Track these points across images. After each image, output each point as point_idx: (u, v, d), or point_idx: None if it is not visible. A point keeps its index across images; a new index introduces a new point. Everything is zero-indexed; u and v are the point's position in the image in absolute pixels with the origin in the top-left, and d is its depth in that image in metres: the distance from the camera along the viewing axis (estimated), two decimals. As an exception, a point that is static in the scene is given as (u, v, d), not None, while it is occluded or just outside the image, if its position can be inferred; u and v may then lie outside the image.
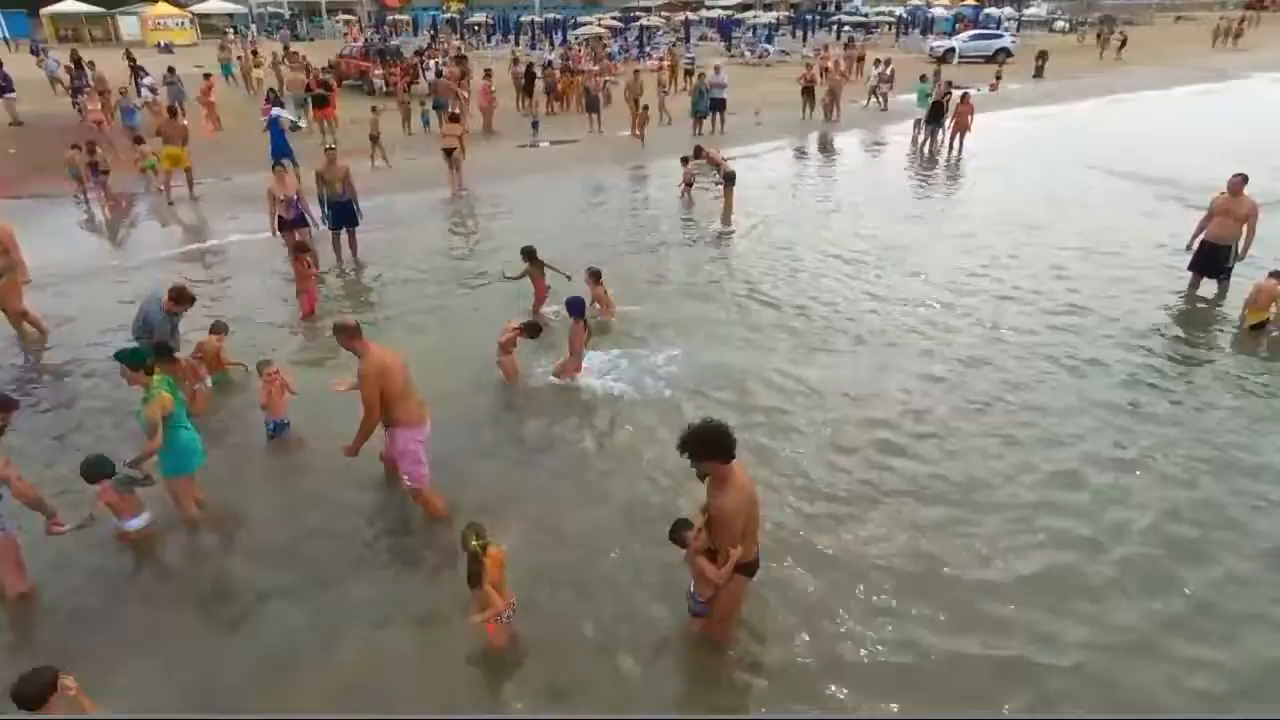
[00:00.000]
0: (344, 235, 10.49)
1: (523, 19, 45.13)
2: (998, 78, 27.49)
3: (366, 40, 28.52)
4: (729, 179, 12.65)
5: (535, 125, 19.13)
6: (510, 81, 23.03)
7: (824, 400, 6.87)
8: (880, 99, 22.96)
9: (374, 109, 17.42)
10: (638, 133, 19.14)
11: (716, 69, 19.37)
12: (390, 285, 9.87)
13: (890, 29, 46.56)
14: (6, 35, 47.00)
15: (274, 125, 14.66)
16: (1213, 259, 8.99)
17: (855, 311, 8.74)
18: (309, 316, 8.49)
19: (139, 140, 14.47)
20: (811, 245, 11.12)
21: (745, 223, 12.30)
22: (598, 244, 11.28)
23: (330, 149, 10.19)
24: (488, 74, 19.87)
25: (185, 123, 13.88)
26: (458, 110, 16.80)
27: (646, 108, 18.88)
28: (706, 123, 19.26)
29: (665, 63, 28.69)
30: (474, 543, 3.90)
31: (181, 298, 6.81)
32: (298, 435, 6.43)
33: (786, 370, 7.36)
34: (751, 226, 12.15)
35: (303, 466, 6.08)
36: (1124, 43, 36.07)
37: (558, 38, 40.06)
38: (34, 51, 32.44)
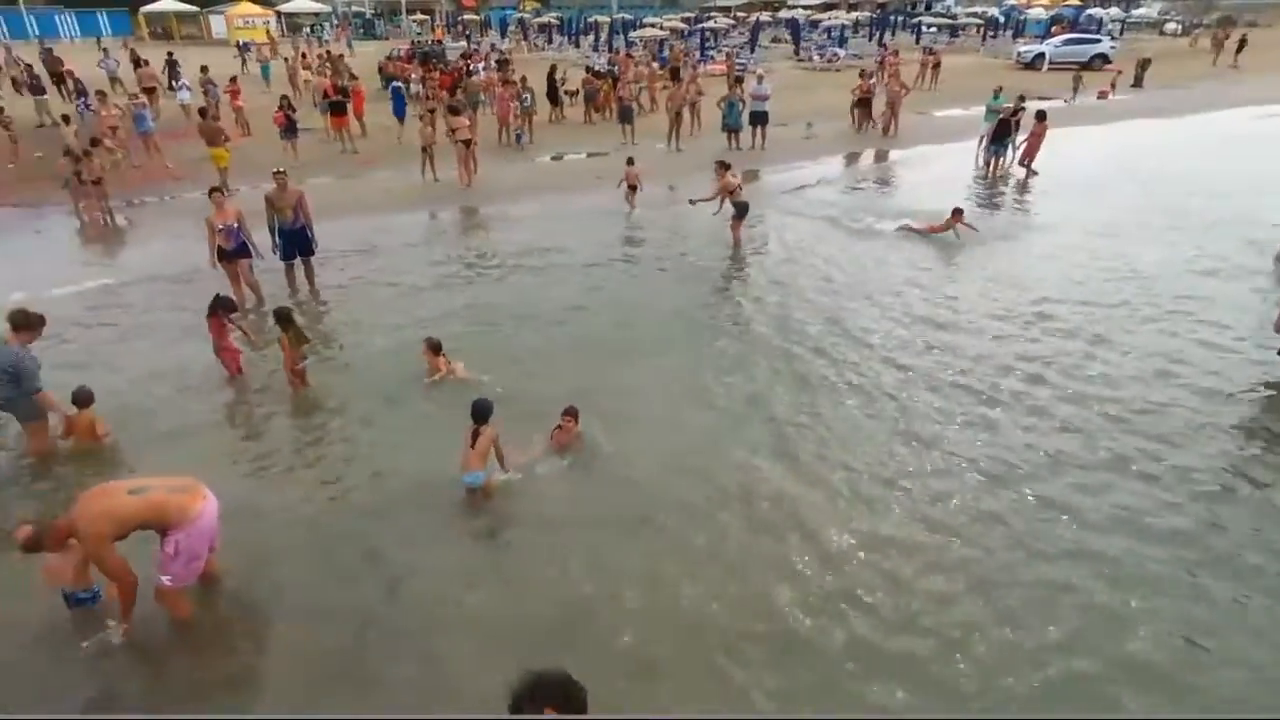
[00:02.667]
0: (299, 266, 9.64)
1: (592, 19, 44.26)
2: (1112, 85, 25.16)
3: (414, 43, 28.07)
4: (740, 210, 11.29)
5: (519, 138, 18.17)
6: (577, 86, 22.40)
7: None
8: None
9: (420, 117, 16.69)
10: (676, 145, 17.98)
11: (759, 78, 17.81)
12: (349, 330, 8.77)
13: (977, 31, 43.46)
14: (110, 32, 49.44)
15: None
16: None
17: (880, 397, 7.26)
18: (236, 376, 7.52)
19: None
20: (833, 294, 9.63)
21: (756, 262, 10.93)
22: (576, 282, 10.18)
23: (279, 172, 9.27)
24: (507, 82, 18.89)
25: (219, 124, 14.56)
26: (455, 103, 16.16)
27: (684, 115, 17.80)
28: (746, 136, 17.75)
29: (724, 67, 27.35)
30: None
31: (26, 323, 5.94)
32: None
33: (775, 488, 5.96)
34: (763, 269, 10.73)
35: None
36: (1241, 46, 32.25)
37: (620, 40, 38.94)
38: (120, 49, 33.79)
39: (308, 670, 4.32)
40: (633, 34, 38.69)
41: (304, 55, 27.35)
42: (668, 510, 5.54)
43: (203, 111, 15.80)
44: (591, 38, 41.57)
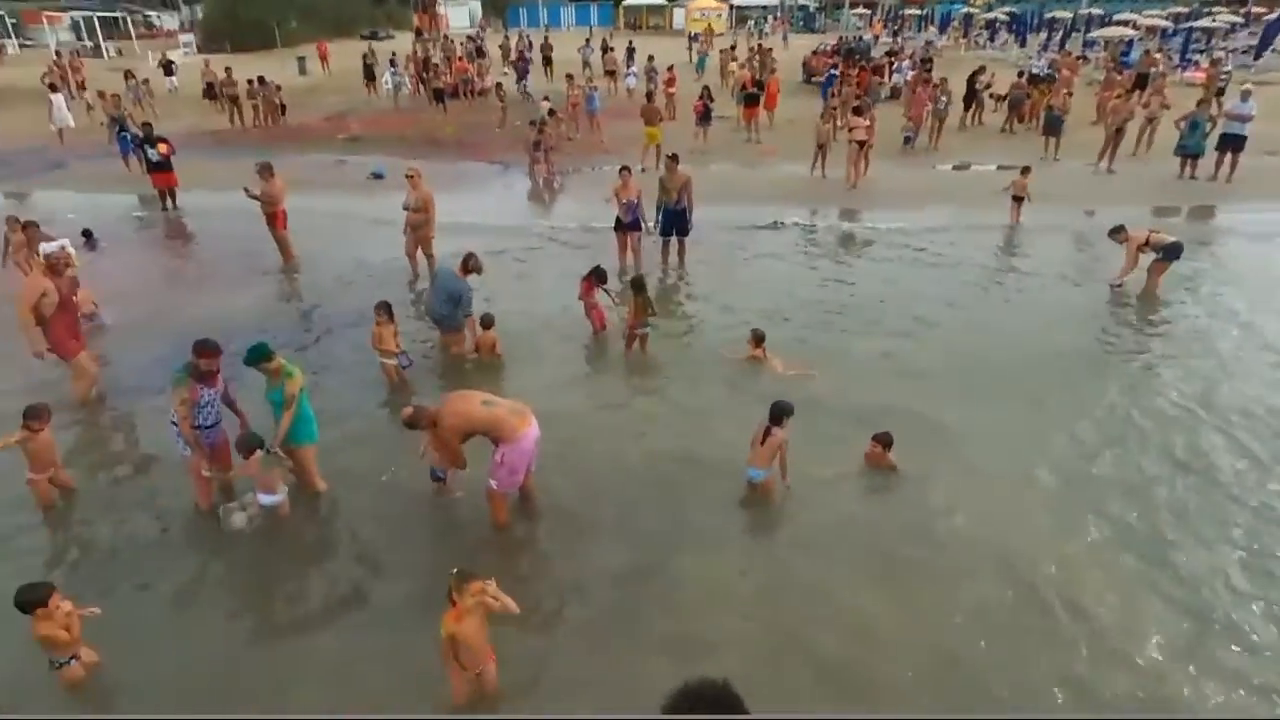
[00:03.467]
0: (674, 244, 10.66)
1: (1050, 14, 39.61)
2: None
3: (840, 38, 28.20)
4: (1168, 252, 9.44)
5: (909, 140, 17.33)
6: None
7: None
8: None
9: (822, 114, 16.76)
10: (1109, 166, 15.51)
11: (1245, 94, 14.30)
12: (697, 305, 9.62)
13: None
14: (598, 23, 58.68)
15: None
16: None
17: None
18: (601, 332, 8.61)
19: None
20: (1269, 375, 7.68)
21: (1172, 316, 9.12)
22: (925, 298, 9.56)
23: (672, 156, 10.34)
24: (927, 81, 17.93)
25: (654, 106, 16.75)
26: (860, 103, 15.87)
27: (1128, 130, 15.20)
28: (1208, 164, 14.49)
29: (1205, 75, 22.56)
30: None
31: (472, 267, 7.70)
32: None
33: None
34: (1179, 326, 8.93)
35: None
36: None
37: (1076, 39, 34.22)
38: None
39: (580, 600, 4.96)
40: (1094, 33, 33.71)
41: (733, 48, 29.39)
42: (950, 575, 5.09)
43: (648, 95, 18.21)
44: (1044, 36, 37.24)
